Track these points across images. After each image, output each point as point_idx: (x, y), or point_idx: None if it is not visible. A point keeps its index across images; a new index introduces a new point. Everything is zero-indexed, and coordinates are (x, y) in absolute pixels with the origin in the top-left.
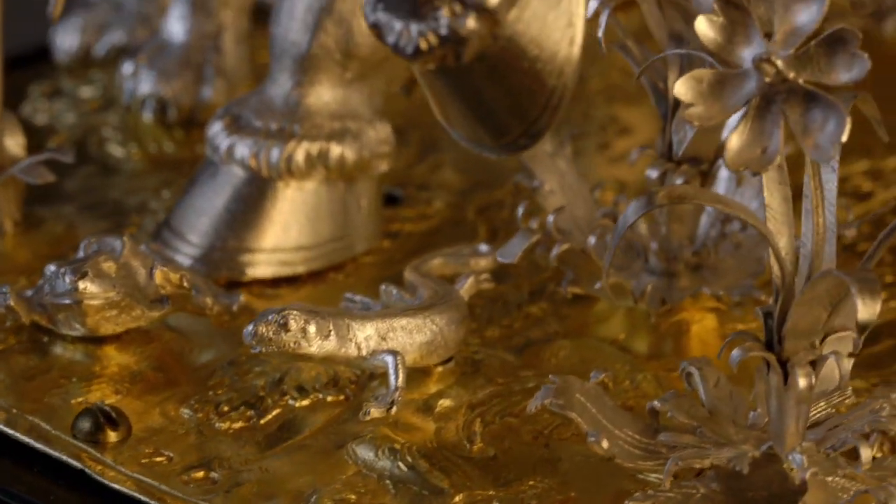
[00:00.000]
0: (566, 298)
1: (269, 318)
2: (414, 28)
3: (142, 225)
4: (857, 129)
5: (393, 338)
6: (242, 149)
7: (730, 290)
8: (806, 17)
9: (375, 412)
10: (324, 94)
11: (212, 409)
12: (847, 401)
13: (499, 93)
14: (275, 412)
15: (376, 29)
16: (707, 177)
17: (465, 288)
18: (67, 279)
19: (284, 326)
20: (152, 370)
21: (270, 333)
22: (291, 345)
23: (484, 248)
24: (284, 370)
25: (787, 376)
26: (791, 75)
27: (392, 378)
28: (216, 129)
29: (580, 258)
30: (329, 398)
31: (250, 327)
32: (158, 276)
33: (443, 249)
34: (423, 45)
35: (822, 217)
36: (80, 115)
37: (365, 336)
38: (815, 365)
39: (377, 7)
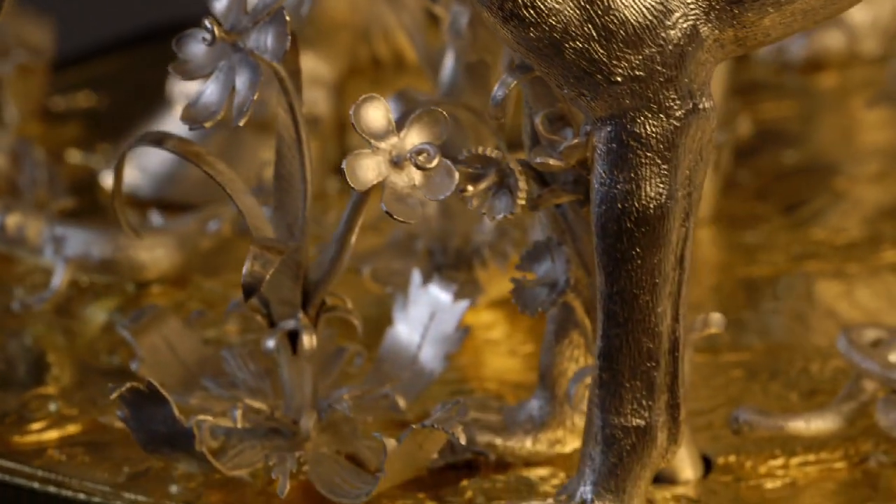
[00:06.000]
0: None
1: None
2: None
3: None
4: None
5: (85, 248)
6: None
7: None
8: None
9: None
10: None
11: None
12: None
13: None
14: None
15: None
16: None
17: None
18: None
19: None
20: None
21: None
22: None
23: None
24: None
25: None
26: (234, 42)
27: (54, 280)
28: None
29: None
30: None
31: None
32: None
33: None
34: None
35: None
36: None
37: (57, 237)
38: (294, 336)
39: None
